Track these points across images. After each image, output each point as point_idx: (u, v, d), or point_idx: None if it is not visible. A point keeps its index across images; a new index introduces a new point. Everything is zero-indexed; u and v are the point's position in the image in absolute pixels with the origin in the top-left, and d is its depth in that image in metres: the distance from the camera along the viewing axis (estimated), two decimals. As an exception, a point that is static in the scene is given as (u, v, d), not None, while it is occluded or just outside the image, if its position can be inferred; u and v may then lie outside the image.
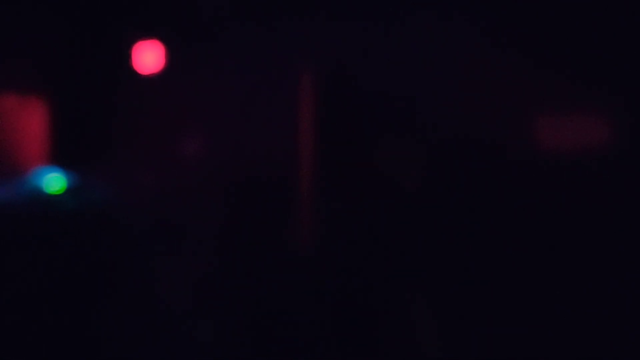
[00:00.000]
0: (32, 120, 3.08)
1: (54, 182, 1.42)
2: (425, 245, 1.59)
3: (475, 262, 1.65)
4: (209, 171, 2.35)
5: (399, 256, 1.60)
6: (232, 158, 2.17)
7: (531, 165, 1.71)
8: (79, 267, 1.53)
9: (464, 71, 1.75)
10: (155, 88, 2.54)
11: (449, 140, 1.73)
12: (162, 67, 2.45)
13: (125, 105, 2.56)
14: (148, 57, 2.48)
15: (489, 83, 1.70)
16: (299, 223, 1.93)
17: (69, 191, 1.39)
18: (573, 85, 1.62)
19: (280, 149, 2.02)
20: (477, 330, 1.55)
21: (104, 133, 2.63)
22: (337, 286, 1.65)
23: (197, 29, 2.31)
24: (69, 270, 1.58)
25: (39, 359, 1.52)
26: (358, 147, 1.66)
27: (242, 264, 1.99)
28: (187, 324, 1.93)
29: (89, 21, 2.51)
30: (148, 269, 1.82)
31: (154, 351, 1.72)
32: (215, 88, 2.20)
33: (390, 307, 1.60)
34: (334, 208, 1.74)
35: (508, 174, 1.68)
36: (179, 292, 2.09)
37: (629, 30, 1.53)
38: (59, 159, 2.61)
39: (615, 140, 1.61)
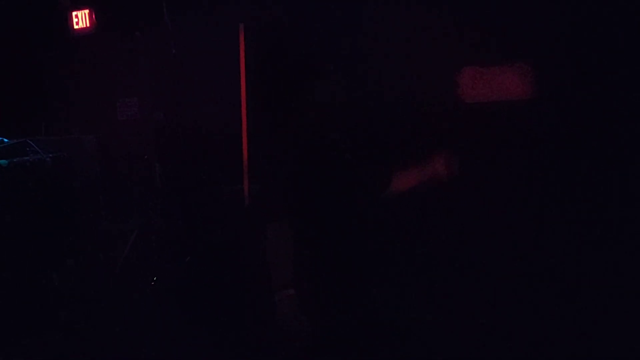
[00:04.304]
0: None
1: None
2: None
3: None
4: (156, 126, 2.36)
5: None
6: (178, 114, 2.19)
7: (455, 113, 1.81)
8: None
9: (395, 27, 1.83)
10: (91, 47, 2.50)
11: (377, 90, 1.80)
12: (96, 26, 2.41)
13: (62, 65, 2.52)
14: (82, 18, 2.44)
15: (420, 38, 1.79)
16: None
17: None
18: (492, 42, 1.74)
19: (224, 103, 2.07)
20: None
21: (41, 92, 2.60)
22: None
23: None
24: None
25: None
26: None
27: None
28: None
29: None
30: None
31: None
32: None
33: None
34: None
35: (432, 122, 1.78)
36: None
37: None
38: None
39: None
